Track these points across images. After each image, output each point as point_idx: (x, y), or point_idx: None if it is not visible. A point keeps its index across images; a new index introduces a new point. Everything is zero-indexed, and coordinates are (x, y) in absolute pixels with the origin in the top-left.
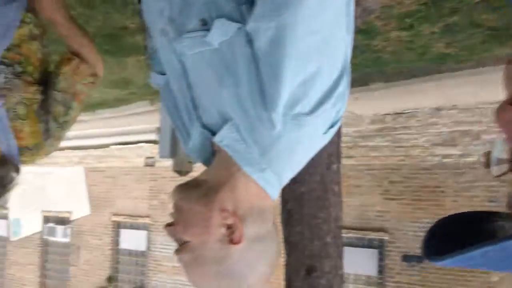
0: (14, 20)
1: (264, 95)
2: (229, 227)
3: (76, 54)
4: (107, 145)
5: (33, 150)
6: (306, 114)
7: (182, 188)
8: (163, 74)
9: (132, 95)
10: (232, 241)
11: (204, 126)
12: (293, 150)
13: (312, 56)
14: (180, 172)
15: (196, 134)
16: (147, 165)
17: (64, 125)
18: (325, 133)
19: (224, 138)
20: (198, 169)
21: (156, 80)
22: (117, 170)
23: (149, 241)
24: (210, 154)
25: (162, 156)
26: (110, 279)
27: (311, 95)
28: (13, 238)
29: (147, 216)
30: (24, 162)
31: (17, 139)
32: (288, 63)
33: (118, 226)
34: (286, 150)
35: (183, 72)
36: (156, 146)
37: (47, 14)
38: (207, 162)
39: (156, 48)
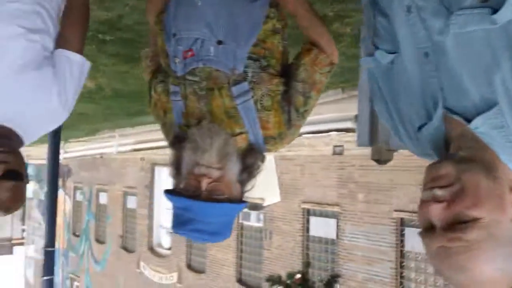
0: (261, 16)
1: None
2: None
3: (314, 44)
4: (299, 135)
5: (276, 139)
6: None
7: (455, 162)
8: (390, 53)
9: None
10: None
11: (449, 110)
12: None
13: None
14: (379, 160)
15: (438, 117)
16: (335, 153)
17: (304, 114)
18: None
19: (480, 125)
20: (398, 157)
21: (383, 59)
22: (305, 158)
23: (339, 229)
24: (442, 139)
25: (360, 145)
26: (307, 264)
27: None
28: None
29: (336, 205)
30: (268, 151)
31: (262, 129)
32: None
33: (307, 213)
34: None
35: (433, 51)
36: (345, 134)
37: (291, 8)
38: (436, 146)
39: (383, 26)
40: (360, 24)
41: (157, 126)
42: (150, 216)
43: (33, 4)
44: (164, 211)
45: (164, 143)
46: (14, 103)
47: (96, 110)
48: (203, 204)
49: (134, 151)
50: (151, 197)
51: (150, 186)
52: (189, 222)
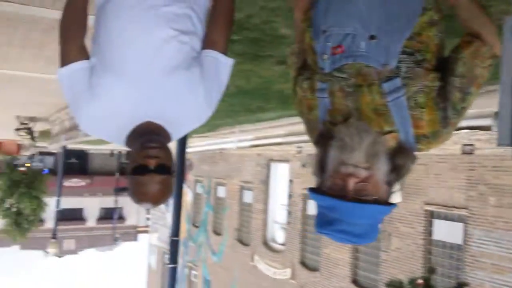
0: (417, 8)
1: None
2: None
3: (475, 36)
4: None
5: (429, 138)
6: None
7: None
8: None
9: None
10: None
11: None
12: None
13: None
14: None
15: None
16: (464, 152)
17: (461, 112)
18: None
19: None
20: None
21: None
22: (430, 157)
23: (466, 234)
24: None
25: (500, 144)
26: (431, 270)
27: None
28: None
29: (464, 208)
30: (419, 150)
31: (414, 128)
32: None
33: (431, 215)
34: None
35: None
36: (476, 132)
37: None
38: None
39: None
40: (502, 14)
41: (275, 123)
42: (265, 211)
43: (185, 8)
44: (278, 206)
45: (281, 139)
46: (165, 102)
47: (219, 106)
48: (349, 204)
49: (252, 147)
50: (266, 192)
51: (266, 181)
52: (335, 222)
